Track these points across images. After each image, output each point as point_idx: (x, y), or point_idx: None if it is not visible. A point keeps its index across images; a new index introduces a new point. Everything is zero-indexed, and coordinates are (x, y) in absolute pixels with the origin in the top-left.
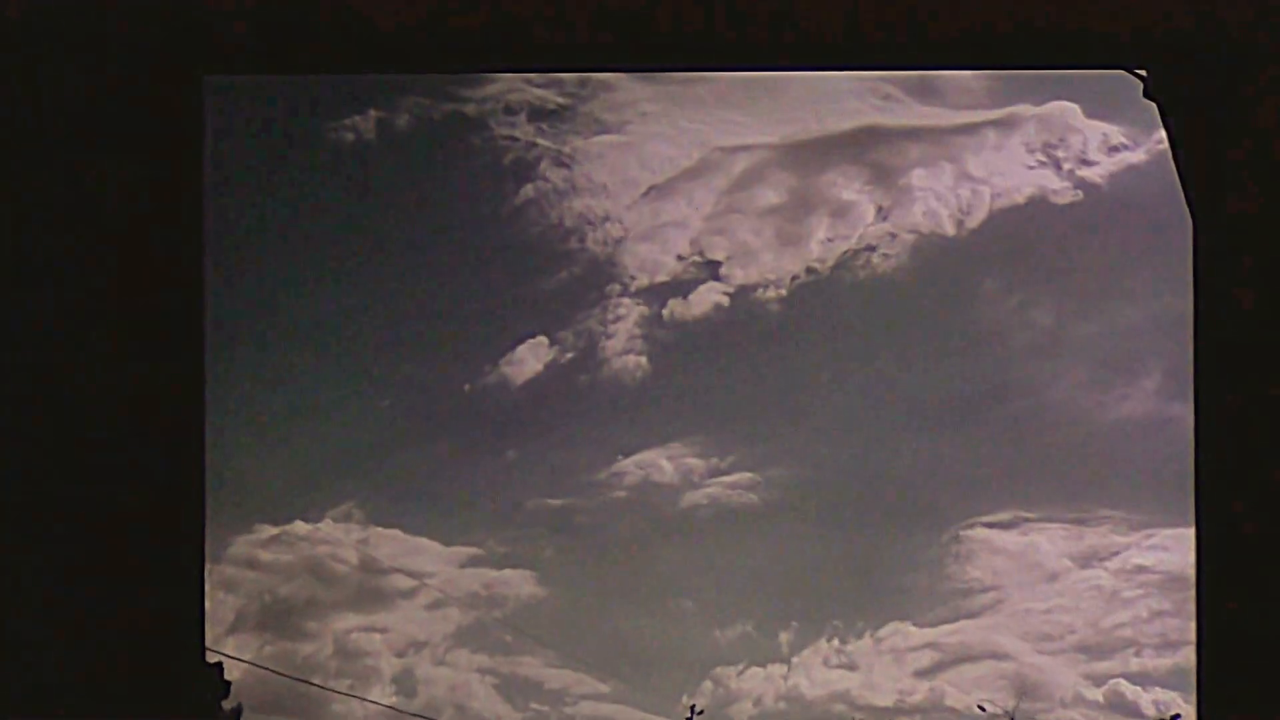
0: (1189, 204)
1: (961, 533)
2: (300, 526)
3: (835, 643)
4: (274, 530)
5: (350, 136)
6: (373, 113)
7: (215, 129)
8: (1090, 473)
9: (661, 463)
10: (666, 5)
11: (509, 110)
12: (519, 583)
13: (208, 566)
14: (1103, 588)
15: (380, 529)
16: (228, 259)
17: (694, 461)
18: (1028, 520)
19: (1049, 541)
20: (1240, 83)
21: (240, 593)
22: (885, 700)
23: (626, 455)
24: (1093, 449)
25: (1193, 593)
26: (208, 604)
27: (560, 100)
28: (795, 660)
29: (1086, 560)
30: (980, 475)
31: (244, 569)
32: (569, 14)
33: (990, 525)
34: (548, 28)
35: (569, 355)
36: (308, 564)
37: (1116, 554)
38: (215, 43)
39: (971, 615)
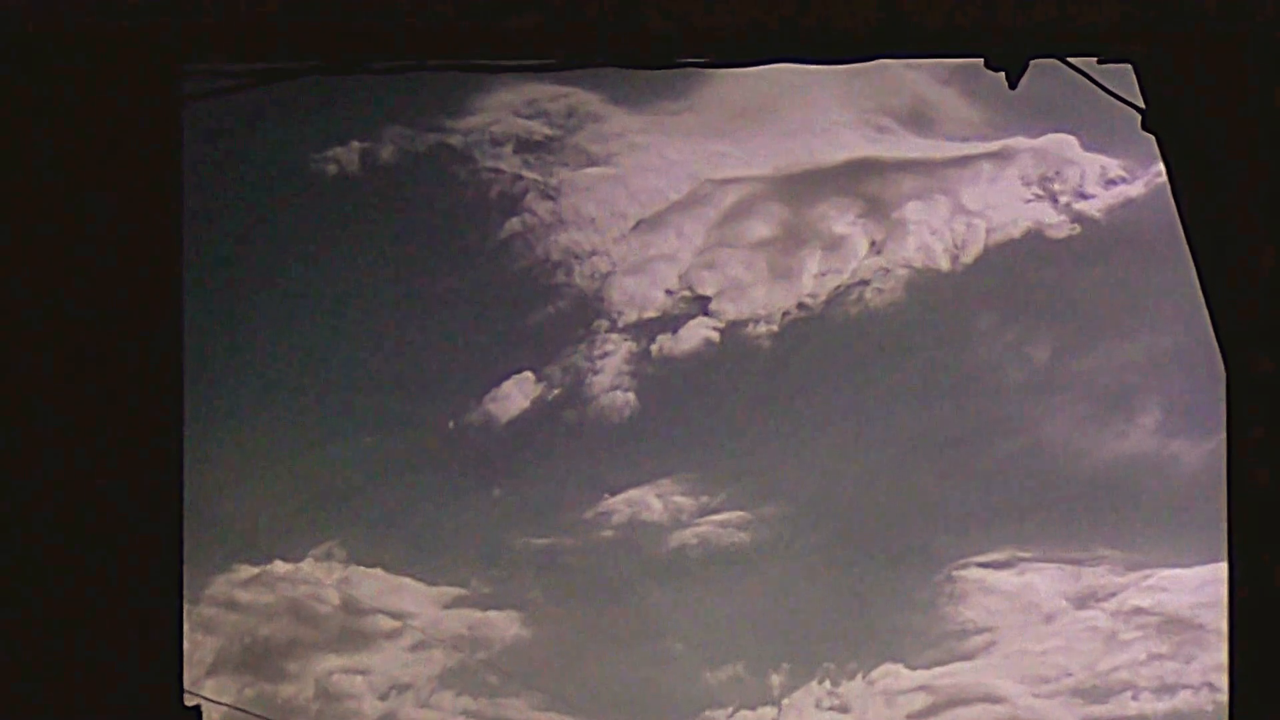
0: (1188, 237)
1: (955, 572)
2: (280, 566)
3: (827, 684)
4: (253, 570)
5: (333, 168)
6: (355, 144)
7: (194, 162)
8: (1087, 511)
9: (650, 501)
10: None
11: (495, 141)
12: (504, 624)
13: (186, 607)
14: (1100, 629)
15: (362, 568)
16: (206, 292)
17: (683, 500)
18: (1023, 559)
19: (1045, 581)
20: (1239, 114)
21: (219, 634)
22: None
23: (614, 493)
24: (1090, 487)
25: (1224, 630)
26: (186, 645)
27: (547, 131)
28: (786, 702)
29: (1083, 601)
30: (975, 513)
31: (223, 609)
32: (554, 10)
33: (985, 565)
34: (533, 23)
35: (556, 391)
36: (288, 604)
37: (1114, 594)
38: (191, 33)
39: (966, 657)
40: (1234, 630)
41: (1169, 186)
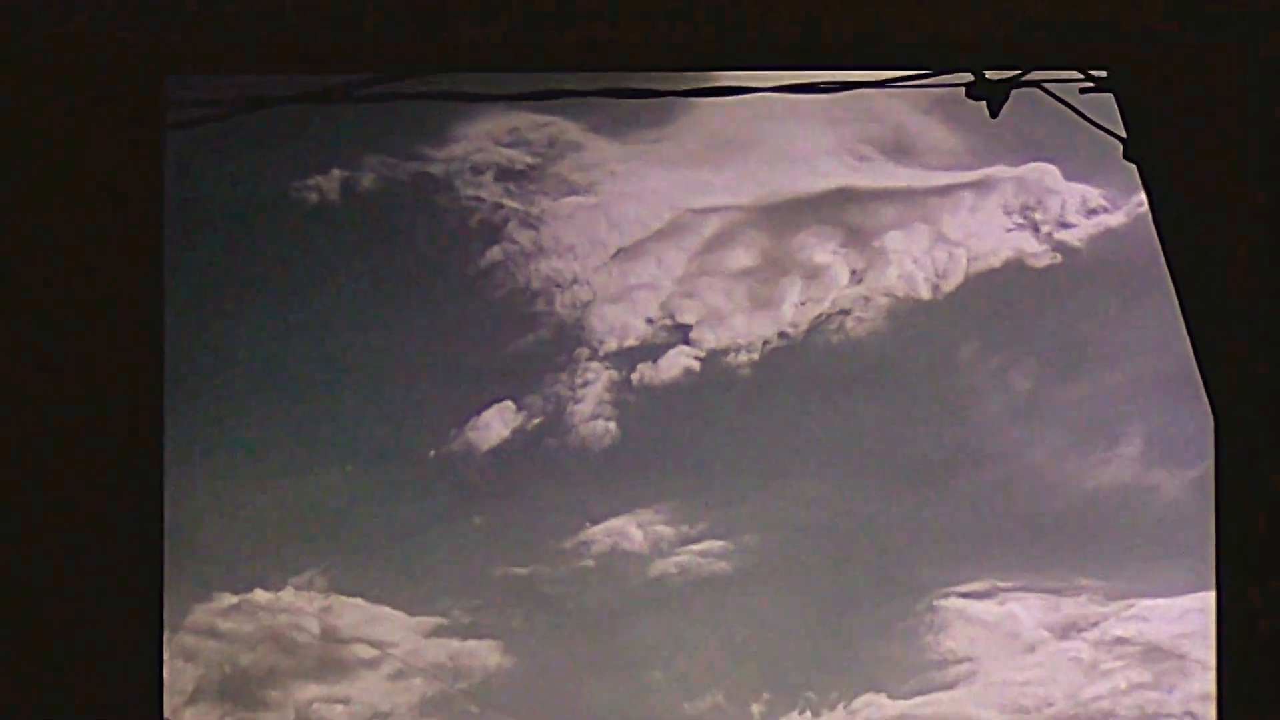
0: (1170, 269)
1: (937, 602)
2: (261, 594)
3: (808, 714)
4: (234, 599)
5: (314, 197)
6: (336, 172)
7: (172, 190)
8: (1068, 541)
9: (631, 530)
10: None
11: (476, 170)
12: (485, 653)
13: (167, 635)
14: (1081, 659)
15: (342, 597)
16: (188, 320)
17: (664, 529)
18: (1004, 589)
19: (1026, 611)
20: (1220, 143)
21: (200, 662)
22: None
23: (595, 522)
24: (1071, 516)
25: (1212, 661)
26: (167, 673)
27: (528, 160)
28: None
29: (1064, 631)
30: (956, 543)
31: (204, 638)
32: (541, 14)
33: (966, 594)
34: (516, 29)
35: (536, 420)
36: (269, 633)
37: (1095, 624)
38: (175, 43)
39: (947, 687)
40: (1222, 666)
41: (1150, 216)
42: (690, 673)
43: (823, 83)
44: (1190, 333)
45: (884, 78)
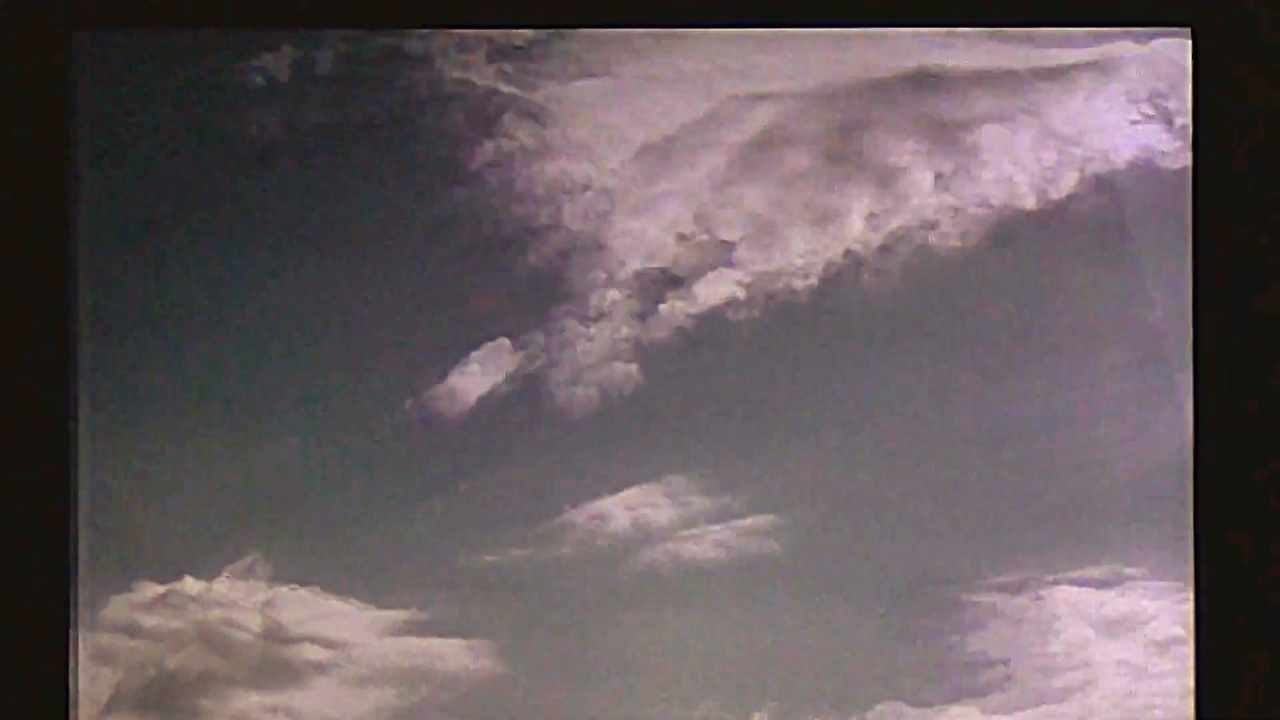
0: None
1: (965, 596)
2: (191, 584)
3: None
4: (159, 589)
5: (259, 80)
6: (287, 50)
7: (87, 94)
8: (1119, 526)
9: (657, 499)
10: None
11: (463, 47)
12: (453, 654)
13: (79, 634)
14: (1130, 661)
15: (288, 588)
16: (101, 252)
17: (699, 500)
18: (1042, 582)
19: (1067, 607)
20: None
21: (119, 665)
22: None
23: (613, 492)
24: (1124, 497)
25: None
26: (80, 679)
27: (529, 34)
28: None
29: (1112, 629)
30: (989, 527)
31: (123, 636)
32: None
33: (999, 588)
34: None
35: (537, 364)
36: (200, 630)
37: (1147, 622)
38: None
39: (976, 694)
40: (1200, 665)
41: None
42: (684, 676)
43: None
44: None
45: None
